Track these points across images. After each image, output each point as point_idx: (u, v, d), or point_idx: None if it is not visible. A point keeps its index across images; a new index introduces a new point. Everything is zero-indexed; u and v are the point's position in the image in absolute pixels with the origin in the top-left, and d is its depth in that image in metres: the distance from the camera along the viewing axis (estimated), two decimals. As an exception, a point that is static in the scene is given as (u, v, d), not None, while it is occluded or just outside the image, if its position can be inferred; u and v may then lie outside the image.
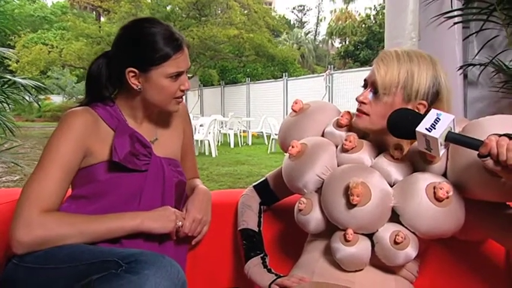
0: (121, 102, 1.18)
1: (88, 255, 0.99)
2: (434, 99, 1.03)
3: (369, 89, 1.06)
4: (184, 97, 1.22)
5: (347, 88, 10.20)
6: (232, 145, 9.98)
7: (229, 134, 10.25)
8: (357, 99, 1.07)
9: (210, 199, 1.28)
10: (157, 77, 1.11)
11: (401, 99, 1.03)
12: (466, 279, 1.21)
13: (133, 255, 0.93)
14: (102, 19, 21.53)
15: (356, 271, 1.05)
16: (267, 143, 9.88)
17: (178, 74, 1.12)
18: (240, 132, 10.80)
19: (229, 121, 10.66)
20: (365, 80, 1.09)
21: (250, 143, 10.75)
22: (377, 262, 1.04)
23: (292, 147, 1.13)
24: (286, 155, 1.17)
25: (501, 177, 0.88)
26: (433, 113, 0.92)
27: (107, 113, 1.15)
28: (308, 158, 1.10)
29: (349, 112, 1.15)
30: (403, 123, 0.96)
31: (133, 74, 1.12)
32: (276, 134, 9.19)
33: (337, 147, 1.13)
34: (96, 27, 16.61)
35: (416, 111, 1.02)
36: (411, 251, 0.99)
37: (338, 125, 1.15)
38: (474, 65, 2.15)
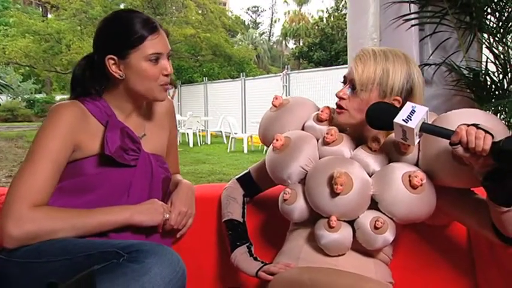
0: (108, 97, 1.17)
1: (83, 248, 0.99)
2: (408, 94, 1.10)
3: (348, 86, 1.12)
4: (170, 95, 1.24)
5: (303, 88, 10.43)
6: (191, 144, 9.91)
7: (188, 134, 10.16)
8: (336, 95, 1.13)
9: (194, 193, 1.30)
10: (136, 61, 1.11)
11: (377, 95, 1.09)
12: (434, 259, 1.31)
13: (133, 245, 0.95)
14: (50, 15, 20.56)
15: (338, 256, 1.10)
16: (226, 142, 9.90)
17: (157, 57, 1.12)
18: (199, 131, 10.75)
19: (187, 120, 10.54)
20: (344, 76, 1.15)
21: (209, 142, 10.73)
22: (357, 247, 1.10)
23: (277, 140, 1.16)
24: (270, 148, 1.20)
25: (467, 165, 0.96)
26: (408, 106, 0.99)
27: (96, 108, 1.14)
28: (292, 151, 1.14)
29: (328, 107, 1.21)
30: (382, 115, 1.03)
31: (113, 62, 1.11)
32: (235, 133, 9.23)
33: (317, 140, 1.18)
34: (45, 24, 15.77)
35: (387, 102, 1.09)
36: (389, 235, 1.07)
37: (318, 120, 1.20)
38: (429, 64, 2.29)
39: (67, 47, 14.60)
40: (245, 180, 1.34)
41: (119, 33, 1.11)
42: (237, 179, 1.36)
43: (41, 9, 23.32)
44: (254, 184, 1.33)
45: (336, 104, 1.15)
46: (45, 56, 15.40)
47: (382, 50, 1.12)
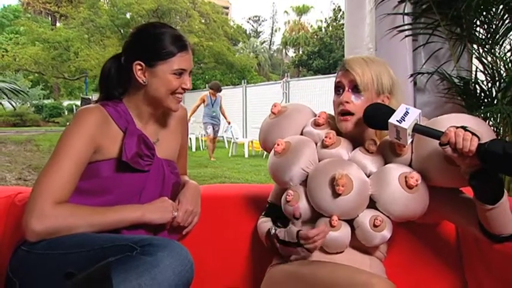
0: (128, 101, 1.24)
1: (99, 241, 1.05)
2: (392, 91, 1.20)
3: (347, 89, 1.18)
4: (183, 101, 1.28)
5: (302, 95, 10.51)
6: (193, 149, 10.01)
7: (190, 138, 10.26)
8: (341, 101, 1.17)
9: (200, 192, 1.36)
10: (163, 72, 1.18)
11: (374, 93, 1.17)
12: (425, 256, 1.37)
13: (146, 239, 1.01)
14: (58, 24, 20.91)
15: (337, 253, 1.16)
16: (227, 147, 10.00)
17: (181, 72, 1.20)
18: (201, 136, 10.85)
19: (190, 126, 10.64)
20: (339, 83, 1.20)
21: (211, 147, 10.82)
22: (355, 244, 1.16)
23: (278, 145, 1.22)
24: (271, 152, 1.25)
25: (457, 166, 1.03)
26: (402, 108, 1.06)
27: (117, 113, 1.21)
28: (293, 154, 1.19)
29: (325, 112, 1.27)
30: (378, 115, 1.09)
31: (140, 68, 1.19)
32: (237, 138, 9.33)
33: (316, 144, 1.23)
34: (54, 32, 16.14)
35: (384, 103, 1.16)
36: (387, 232, 1.13)
37: (316, 124, 1.26)
38: (422, 73, 2.39)
39: (75, 55, 14.89)
40: (270, 211, 1.32)
41: (151, 44, 1.18)
42: (264, 214, 1.34)
43: (50, 18, 23.68)
44: (279, 208, 1.26)
45: (342, 110, 1.18)
46: (53, 63, 15.70)
47: (366, 56, 1.22)
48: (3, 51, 16.79)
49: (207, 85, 15.09)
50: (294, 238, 1.12)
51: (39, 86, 22.44)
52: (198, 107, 8.21)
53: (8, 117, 18.32)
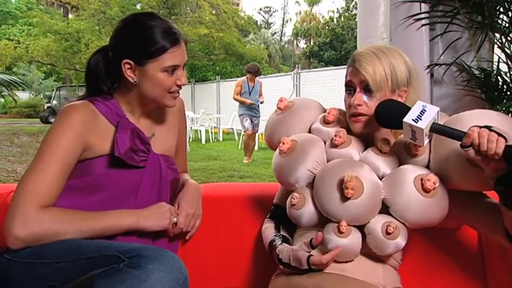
0: (119, 97, 1.17)
1: (86, 250, 0.97)
2: (409, 82, 1.09)
3: (359, 90, 1.08)
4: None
5: (313, 86, 10.42)
6: (203, 141, 10.01)
7: (200, 131, 10.30)
8: (352, 104, 1.09)
9: (200, 193, 1.29)
10: (154, 70, 1.10)
11: (390, 90, 1.07)
12: (444, 262, 1.29)
13: (135, 249, 0.93)
14: (70, 16, 21.14)
15: (347, 261, 1.07)
16: (237, 139, 9.95)
17: (174, 69, 1.12)
18: (211, 128, 10.84)
19: (200, 118, 10.68)
20: (349, 82, 1.10)
21: (221, 139, 10.81)
22: (366, 251, 1.07)
23: (283, 143, 1.14)
24: (276, 151, 1.18)
25: (480, 168, 0.93)
26: (419, 105, 0.96)
27: (107, 108, 1.14)
28: (299, 154, 1.11)
29: (335, 109, 1.18)
30: (391, 114, 1.00)
31: (129, 66, 1.11)
32: (247, 130, 9.29)
33: (324, 142, 1.15)
34: (65, 24, 16.37)
35: (400, 99, 1.08)
36: (401, 240, 1.04)
37: (325, 122, 1.17)
38: (439, 64, 2.28)
39: (86, 46, 15.01)
40: (275, 213, 1.25)
41: (139, 41, 1.10)
42: (269, 217, 1.28)
43: (62, 10, 24.05)
44: (285, 210, 1.19)
45: (353, 113, 1.10)
46: (65, 54, 15.88)
47: (377, 47, 1.10)
48: (15, 43, 16.99)
49: (217, 76, 15.13)
50: (303, 264, 1.06)
51: (52, 78, 22.92)
52: (238, 94, 6.86)
53: (22, 108, 18.84)
